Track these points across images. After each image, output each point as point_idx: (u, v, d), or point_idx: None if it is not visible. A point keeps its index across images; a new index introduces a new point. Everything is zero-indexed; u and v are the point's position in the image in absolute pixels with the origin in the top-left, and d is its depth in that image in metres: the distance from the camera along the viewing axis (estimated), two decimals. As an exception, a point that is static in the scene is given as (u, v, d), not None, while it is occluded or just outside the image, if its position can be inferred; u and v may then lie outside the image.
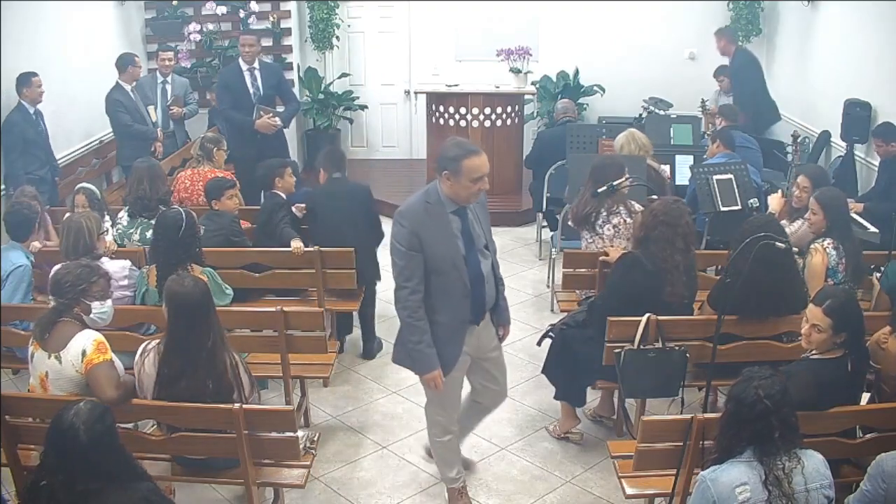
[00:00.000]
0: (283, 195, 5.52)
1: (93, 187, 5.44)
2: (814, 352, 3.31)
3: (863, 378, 3.42)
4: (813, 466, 2.74)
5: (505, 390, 4.14)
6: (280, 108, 7.45)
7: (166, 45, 8.23)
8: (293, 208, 5.66)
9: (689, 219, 4.20)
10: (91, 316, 3.58)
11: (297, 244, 5.09)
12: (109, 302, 3.70)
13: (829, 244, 4.29)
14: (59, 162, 6.79)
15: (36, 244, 4.98)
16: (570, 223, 5.27)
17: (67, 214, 4.83)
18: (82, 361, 3.40)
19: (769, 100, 8.40)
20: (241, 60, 7.25)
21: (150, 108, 7.53)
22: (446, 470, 4.08)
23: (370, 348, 5.68)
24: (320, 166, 5.67)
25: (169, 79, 7.90)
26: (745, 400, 2.70)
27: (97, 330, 3.60)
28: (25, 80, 6.24)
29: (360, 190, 5.60)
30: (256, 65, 7.28)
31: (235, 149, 6.85)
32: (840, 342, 3.25)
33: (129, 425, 3.55)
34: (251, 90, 7.22)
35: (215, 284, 4.40)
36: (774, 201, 5.21)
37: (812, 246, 4.32)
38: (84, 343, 3.43)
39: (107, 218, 5.39)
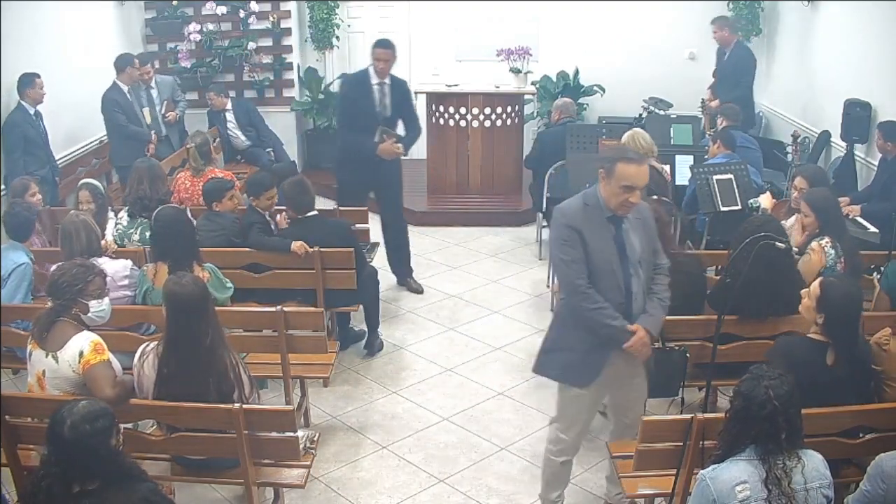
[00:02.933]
0: (263, 212, 5.37)
1: (96, 183, 5.44)
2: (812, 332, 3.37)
3: (859, 383, 3.36)
4: (812, 466, 2.74)
5: (636, 425, 3.64)
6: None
7: (146, 56, 8.11)
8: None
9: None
10: (89, 314, 3.58)
11: (298, 243, 5.07)
12: (107, 300, 3.69)
13: (826, 243, 4.30)
14: (58, 162, 6.78)
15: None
16: None
17: (72, 211, 4.82)
18: (79, 362, 3.41)
19: (752, 104, 8.32)
20: (371, 71, 6.19)
21: (146, 111, 7.51)
22: (549, 490, 3.93)
23: (372, 342, 5.67)
24: (292, 206, 5.25)
25: (153, 83, 7.79)
26: (754, 399, 2.69)
27: (96, 328, 3.60)
28: (29, 82, 6.24)
29: (342, 230, 5.31)
30: (388, 79, 6.23)
31: (347, 172, 6.34)
32: (821, 323, 3.29)
33: (129, 425, 3.55)
34: (377, 108, 6.23)
35: (216, 279, 4.43)
36: (766, 201, 5.22)
37: (810, 245, 4.33)
38: (82, 344, 3.43)
39: (111, 214, 5.39)
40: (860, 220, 5.68)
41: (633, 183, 3.40)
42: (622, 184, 3.40)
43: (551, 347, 3.76)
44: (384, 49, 6.16)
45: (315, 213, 5.31)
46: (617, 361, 3.58)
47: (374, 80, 6.15)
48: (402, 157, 6.36)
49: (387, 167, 6.26)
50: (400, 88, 6.32)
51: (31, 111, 6.32)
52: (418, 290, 6.62)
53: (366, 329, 5.73)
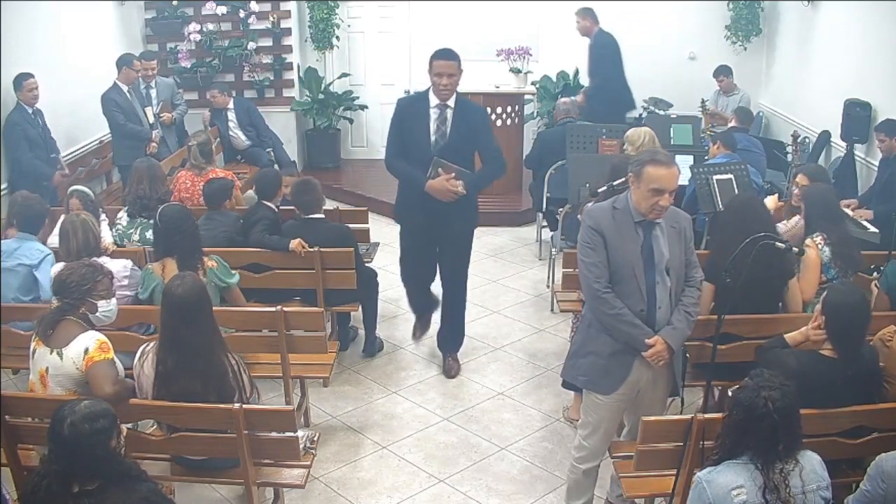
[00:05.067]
0: (274, 207, 5.40)
1: (86, 189, 5.42)
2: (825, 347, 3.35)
3: (868, 393, 3.35)
4: (810, 468, 2.74)
5: None
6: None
7: (150, 53, 8.16)
8: None
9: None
10: (97, 314, 3.59)
11: (296, 242, 5.07)
12: (114, 300, 3.70)
13: (820, 241, 4.32)
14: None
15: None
16: (578, 216, 5.25)
17: (63, 217, 4.82)
18: (83, 359, 3.41)
19: (627, 85, 8.30)
20: (431, 94, 4.98)
21: (148, 110, 7.51)
22: (570, 499, 3.92)
23: (371, 343, 5.66)
24: (295, 205, 5.30)
25: (153, 83, 7.83)
26: (753, 410, 2.66)
27: (102, 329, 3.61)
28: (18, 83, 6.25)
29: (340, 234, 5.28)
30: (452, 102, 4.95)
31: (403, 212, 5.25)
32: (823, 326, 3.33)
33: (129, 425, 3.55)
34: (433, 136, 4.93)
35: (223, 267, 4.46)
36: (771, 203, 5.23)
37: (805, 242, 4.35)
38: (87, 342, 3.44)
39: (103, 217, 5.38)
40: (861, 220, 5.69)
41: (662, 186, 3.35)
42: (651, 187, 3.36)
43: (577, 352, 3.73)
44: (444, 60, 4.87)
45: (320, 216, 5.31)
46: (640, 369, 3.56)
47: (433, 103, 4.94)
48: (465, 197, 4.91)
49: (450, 214, 4.93)
50: (469, 114, 5.00)
51: (29, 110, 6.32)
52: (448, 374, 5.43)
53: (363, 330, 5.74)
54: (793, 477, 2.67)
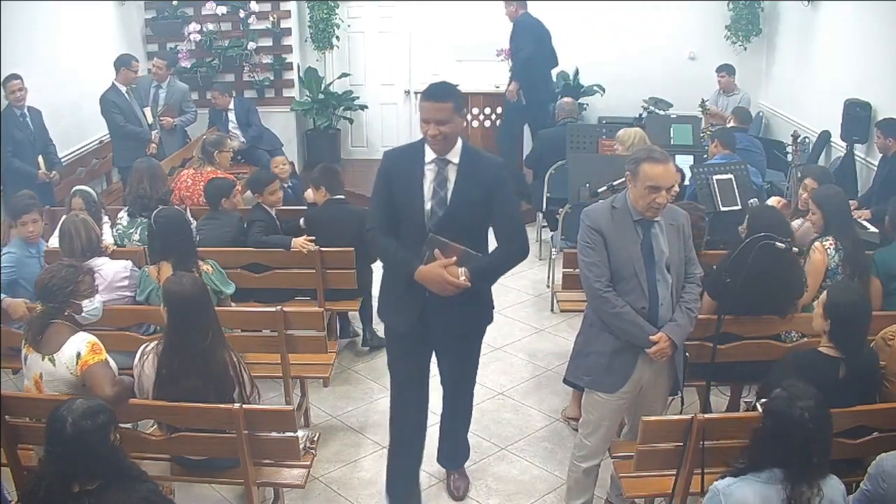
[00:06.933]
0: (270, 209, 5.44)
1: (89, 189, 5.43)
2: (823, 345, 3.34)
3: (867, 393, 3.35)
4: (830, 497, 2.64)
5: None
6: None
7: (162, 53, 8.19)
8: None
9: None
10: (83, 314, 3.56)
11: (299, 241, 5.07)
12: (98, 297, 3.67)
13: (829, 245, 4.28)
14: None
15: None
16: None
17: (64, 217, 4.81)
18: (77, 364, 3.39)
19: (550, 75, 8.35)
20: (426, 146, 3.60)
21: (147, 110, 7.51)
22: (570, 498, 3.93)
23: (372, 335, 5.72)
24: (319, 184, 5.43)
25: (164, 84, 7.85)
26: (788, 421, 2.58)
27: (97, 328, 3.60)
28: (4, 84, 6.22)
29: (361, 216, 5.23)
30: (455, 155, 3.57)
31: (388, 309, 3.87)
32: (828, 330, 3.29)
33: (129, 425, 3.55)
34: (428, 203, 3.55)
35: (218, 273, 4.46)
36: (774, 204, 5.22)
37: (814, 245, 4.33)
38: (79, 346, 3.42)
39: (105, 218, 5.38)
40: (860, 220, 5.69)
41: (658, 183, 3.36)
42: (647, 184, 3.36)
43: (580, 351, 3.74)
44: (430, 101, 3.49)
45: (342, 197, 5.48)
46: (643, 367, 3.56)
47: (430, 157, 3.58)
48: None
49: (452, 309, 3.57)
50: (481, 173, 3.58)
51: (18, 112, 6.27)
52: (455, 495, 4.28)
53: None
54: None
